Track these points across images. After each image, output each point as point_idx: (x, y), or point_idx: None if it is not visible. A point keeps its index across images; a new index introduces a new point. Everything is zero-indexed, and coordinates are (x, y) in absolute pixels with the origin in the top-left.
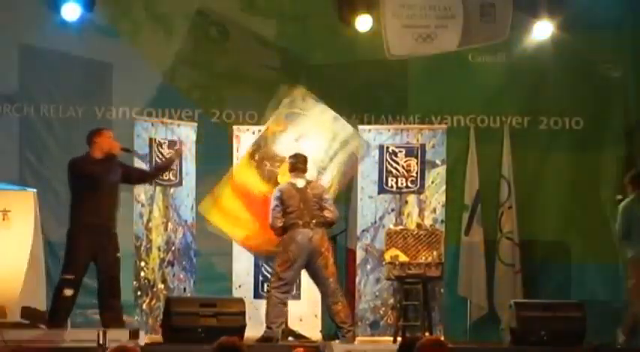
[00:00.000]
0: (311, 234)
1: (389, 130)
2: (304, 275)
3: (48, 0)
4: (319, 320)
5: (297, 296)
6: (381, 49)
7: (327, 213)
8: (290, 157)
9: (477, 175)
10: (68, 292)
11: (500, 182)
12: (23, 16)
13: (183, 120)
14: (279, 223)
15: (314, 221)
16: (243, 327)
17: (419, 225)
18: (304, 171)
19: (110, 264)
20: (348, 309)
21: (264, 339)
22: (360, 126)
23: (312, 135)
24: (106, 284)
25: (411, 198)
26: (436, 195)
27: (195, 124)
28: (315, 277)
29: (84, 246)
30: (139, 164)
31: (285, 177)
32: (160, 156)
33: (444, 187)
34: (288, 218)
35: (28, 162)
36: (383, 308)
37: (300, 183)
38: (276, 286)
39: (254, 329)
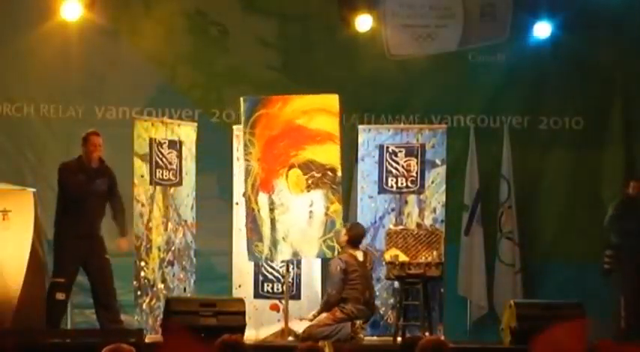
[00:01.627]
0: (369, 315)
1: (389, 130)
2: (304, 274)
3: None
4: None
5: (297, 296)
6: (381, 49)
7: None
8: (350, 229)
9: (477, 175)
10: (60, 296)
11: (500, 182)
12: (23, 16)
13: (183, 120)
14: (339, 296)
15: (371, 301)
16: (243, 327)
17: (419, 225)
18: (360, 243)
19: (101, 267)
20: None
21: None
22: (360, 126)
23: None
24: (99, 286)
25: (411, 198)
26: (436, 195)
27: (195, 124)
28: None
29: (72, 251)
30: (140, 164)
31: (292, 183)
32: (160, 156)
33: (444, 187)
34: (350, 290)
35: (28, 162)
36: (383, 308)
37: (360, 255)
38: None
39: (254, 329)
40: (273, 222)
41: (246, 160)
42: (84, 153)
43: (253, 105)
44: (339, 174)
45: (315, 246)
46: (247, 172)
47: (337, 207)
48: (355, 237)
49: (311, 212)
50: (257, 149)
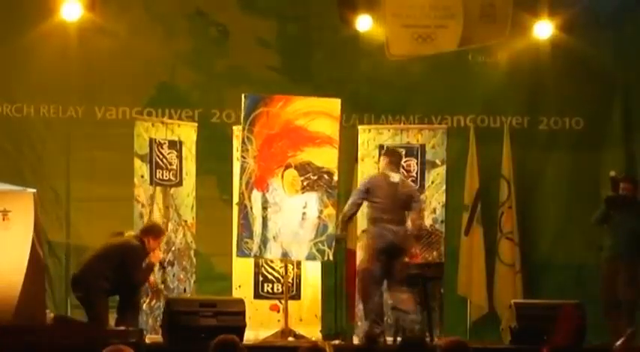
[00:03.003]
0: (396, 230)
1: (389, 130)
2: (304, 275)
3: None
4: (319, 320)
5: (297, 297)
6: (381, 49)
7: (412, 215)
8: (385, 154)
9: (477, 175)
10: None
11: (500, 182)
12: (24, 16)
13: (183, 120)
14: (351, 209)
15: (398, 219)
16: (242, 327)
17: None
18: (398, 168)
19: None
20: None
21: (368, 338)
22: (360, 126)
23: None
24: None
25: None
26: (436, 195)
27: (195, 124)
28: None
29: (107, 302)
30: (140, 164)
31: (287, 183)
32: (160, 157)
33: (444, 187)
34: (374, 210)
35: (28, 162)
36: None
37: (395, 177)
38: (366, 281)
39: (254, 330)
40: (265, 220)
41: (243, 157)
42: (148, 245)
43: (254, 103)
44: (336, 178)
45: (305, 248)
46: (242, 169)
47: (331, 211)
48: (389, 160)
49: (304, 214)
50: (254, 147)
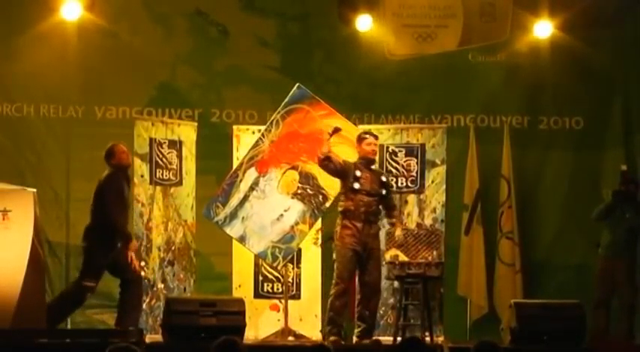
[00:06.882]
0: None
1: (389, 130)
2: (304, 274)
3: None
4: (319, 320)
5: (297, 296)
6: (381, 49)
7: None
8: None
9: (476, 175)
10: (88, 297)
11: (500, 182)
12: (23, 16)
13: (183, 120)
14: None
15: None
16: (242, 327)
17: (419, 225)
18: None
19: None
20: None
21: None
22: (360, 126)
23: None
24: (126, 285)
25: (411, 198)
26: (436, 195)
27: (195, 124)
28: None
29: (106, 254)
30: (140, 164)
31: (284, 181)
32: (160, 156)
33: (444, 187)
34: None
35: (28, 162)
36: (383, 308)
37: None
38: None
39: (254, 329)
40: (245, 198)
41: (262, 135)
42: (120, 160)
43: (301, 98)
44: (327, 205)
45: (263, 244)
46: (255, 144)
47: (305, 228)
48: None
49: (282, 215)
50: (277, 132)
